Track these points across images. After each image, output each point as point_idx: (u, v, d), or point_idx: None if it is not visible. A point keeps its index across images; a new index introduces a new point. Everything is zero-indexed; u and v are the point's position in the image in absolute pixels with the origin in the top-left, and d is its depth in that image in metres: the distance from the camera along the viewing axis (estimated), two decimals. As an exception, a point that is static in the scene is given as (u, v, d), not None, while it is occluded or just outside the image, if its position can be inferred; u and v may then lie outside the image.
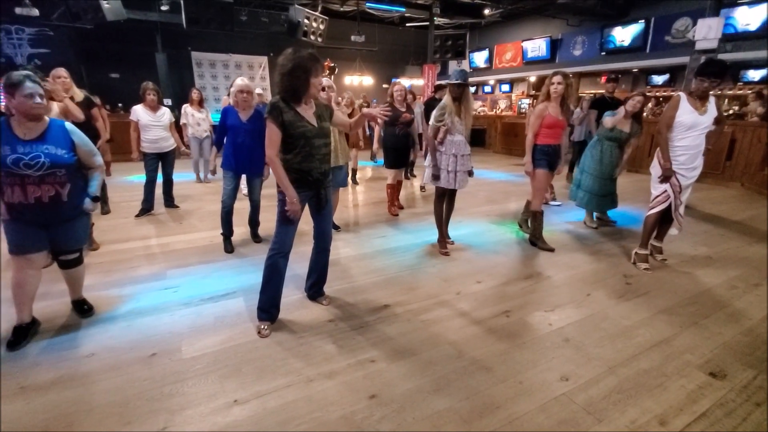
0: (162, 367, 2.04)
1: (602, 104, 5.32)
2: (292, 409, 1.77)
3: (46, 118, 2.16)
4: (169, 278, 3.08)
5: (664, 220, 3.38)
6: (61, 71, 3.77)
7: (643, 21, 9.48)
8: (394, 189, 4.92)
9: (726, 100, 9.17)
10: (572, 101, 3.71)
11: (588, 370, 2.05)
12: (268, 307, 2.40)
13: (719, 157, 6.71)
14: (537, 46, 12.08)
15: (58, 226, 2.22)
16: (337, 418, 1.72)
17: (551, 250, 3.72)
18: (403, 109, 4.56)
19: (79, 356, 2.12)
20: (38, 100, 2.04)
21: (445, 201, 3.67)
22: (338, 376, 1.98)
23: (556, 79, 3.43)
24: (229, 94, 4.91)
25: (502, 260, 3.52)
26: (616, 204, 4.37)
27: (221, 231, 3.68)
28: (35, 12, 7.39)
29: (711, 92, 3.07)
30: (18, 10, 7.20)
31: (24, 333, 2.21)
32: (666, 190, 3.20)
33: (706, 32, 6.35)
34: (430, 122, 3.43)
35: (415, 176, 7.38)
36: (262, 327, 2.35)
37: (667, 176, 3.14)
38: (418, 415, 1.74)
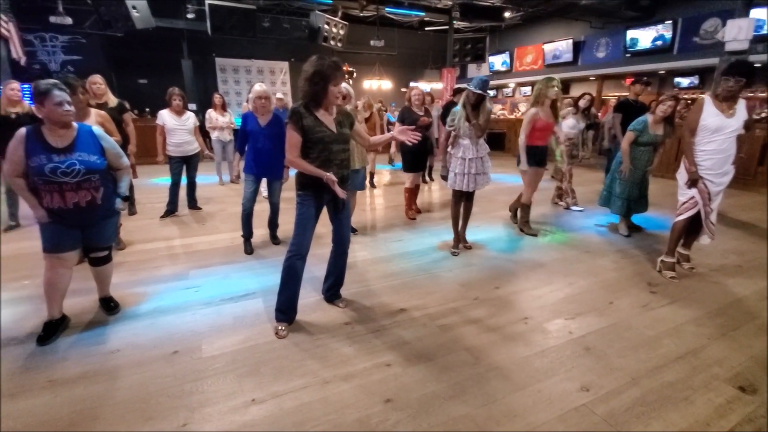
0: (183, 364, 2.09)
1: (627, 108, 5.16)
2: (309, 411, 1.78)
3: (75, 125, 2.24)
4: (191, 278, 3.15)
5: (692, 227, 3.25)
6: (97, 78, 3.94)
7: (670, 22, 9.21)
8: (412, 193, 4.92)
9: (758, 103, 8.80)
10: (561, 104, 4.24)
11: (610, 381, 1.99)
12: (286, 309, 2.43)
13: (751, 162, 6.45)
14: (559, 49, 11.89)
15: (92, 227, 2.33)
16: (353, 420, 1.73)
17: (534, 235, 4.21)
18: (421, 113, 4.57)
19: (105, 352, 2.19)
20: (67, 107, 2.11)
21: (462, 204, 3.68)
22: (354, 378, 1.99)
23: (553, 82, 3.80)
24: (248, 101, 5.04)
25: (522, 266, 3.46)
26: (647, 207, 4.27)
27: (241, 233, 3.75)
28: (68, 20, 7.73)
29: (740, 95, 2.96)
30: (52, 19, 7.54)
31: (54, 328, 2.31)
32: (693, 197, 3.09)
33: (736, 33, 6.11)
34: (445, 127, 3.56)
35: (432, 180, 7.36)
36: (280, 328, 2.38)
37: (693, 181, 3.04)
38: (434, 421, 1.73)
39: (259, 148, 3.54)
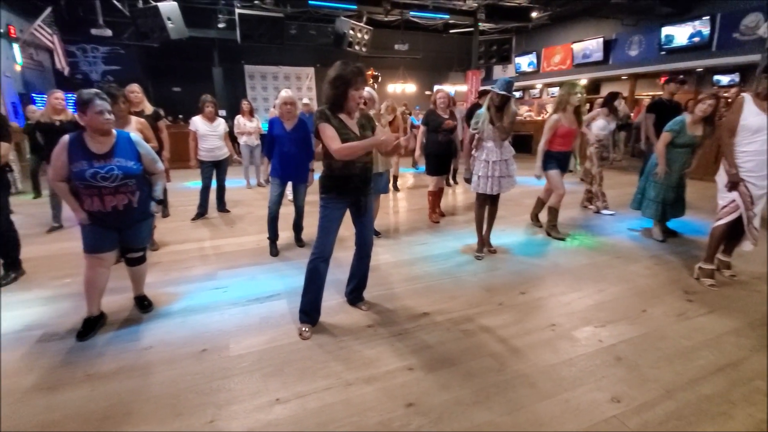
0: (211, 362, 2.15)
1: (661, 108, 4.95)
2: (331, 412, 1.79)
3: (114, 132, 2.35)
4: (219, 278, 3.25)
5: (733, 233, 3.07)
6: (134, 87, 4.13)
7: (707, 17, 8.80)
8: (436, 196, 4.89)
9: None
10: (583, 110, 4.11)
11: (642, 393, 1.91)
12: (309, 310, 2.47)
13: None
14: (589, 48, 11.57)
15: (128, 229, 2.45)
16: (375, 423, 1.73)
17: (563, 239, 4.10)
18: (446, 116, 4.53)
19: (139, 348, 2.29)
20: (107, 116, 2.22)
21: (486, 207, 3.63)
22: (376, 381, 1.99)
23: (577, 89, 3.80)
24: (275, 106, 5.17)
25: (548, 271, 3.38)
26: (684, 211, 4.10)
27: (267, 235, 3.84)
28: (108, 32, 8.16)
29: None
30: (93, 31, 7.98)
31: (92, 325, 2.43)
32: (734, 200, 2.93)
33: (782, 27, 5.76)
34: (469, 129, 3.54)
35: (456, 183, 7.29)
36: (303, 329, 2.42)
37: (734, 183, 2.88)
38: (456, 427, 1.71)
39: (285, 152, 3.61)
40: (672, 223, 4.29)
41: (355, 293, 2.76)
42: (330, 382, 1.99)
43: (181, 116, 11.24)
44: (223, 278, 3.25)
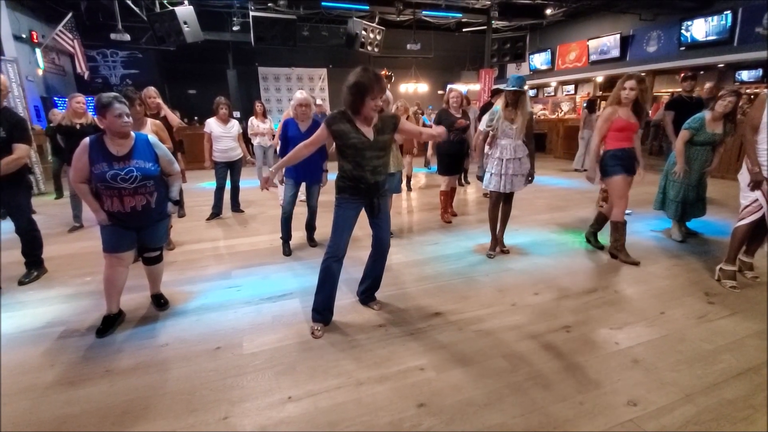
0: (225, 360, 2.18)
1: (680, 105, 4.83)
2: (342, 411, 1.80)
3: (132, 134, 2.40)
4: (233, 278, 3.29)
5: (756, 233, 2.97)
6: (151, 91, 4.21)
7: (729, 12, 8.54)
8: (448, 196, 4.87)
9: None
10: (648, 105, 3.45)
11: (660, 396, 1.87)
12: (322, 309, 2.48)
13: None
14: (605, 44, 11.35)
15: (146, 229, 2.50)
16: (385, 423, 1.73)
17: (636, 263, 3.42)
18: (459, 115, 4.51)
19: (156, 345, 2.34)
20: (126, 119, 2.27)
21: (500, 206, 3.60)
22: (388, 381, 1.99)
23: (629, 84, 3.25)
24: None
25: (563, 272, 3.33)
26: (705, 211, 3.98)
27: (280, 235, 3.87)
28: (127, 37, 8.35)
29: None
30: (113, 36, 8.18)
31: (111, 322, 2.49)
32: (757, 199, 2.84)
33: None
34: (480, 127, 3.48)
35: (468, 183, 7.24)
36: (316, 328, 2.43)
37: (757, 182, 2.79)
38: (468, 428, 1.70)
39: None
40: (692, 224, 4.17)
41: (367, 293, 2.77)
42: (341, 381, 2.00)
43: (196, 118, 11.44)
44: (237, 277, 3.30)
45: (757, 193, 2.82)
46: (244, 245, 4.12)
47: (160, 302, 2.78)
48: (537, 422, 1.72)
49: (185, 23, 7.64)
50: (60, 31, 8.77)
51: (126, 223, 2.40)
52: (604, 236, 3.85)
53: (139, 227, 2.47)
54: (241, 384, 1.99)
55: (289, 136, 3.65)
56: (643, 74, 3.31)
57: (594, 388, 1.93)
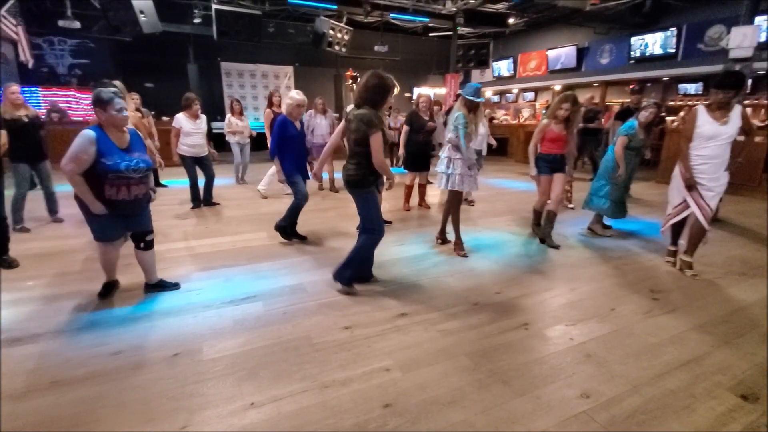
0: (184, 367, 2.10)
1: (628, 115, 5.19)
2: (307, 415, 1.78)
3: (126, 128, 2.55)
4: (193, 280, 3.17)
5: (693, 233, 3.32)
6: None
7: (674, 28, 9.21)
8: (410, 189, 5.41)
9: (763, 111, 8.79)
10: (575, 124, 4.09)
11: (610, 388, 1.99)
12: (358, 276, 3.01)
13: (755, 169, 6.41)
14: (563, 55, 11.91)
15: (140, 215, 2.71)
16: (351, 425, 1.73)
17: (556, 247, 3.99)
18: (427, 118, 4.90)
19: (108, 353, 2.20)
20: (125, 113, 2.45)
21: (453, 206, 3.82)
22: (353, 383, 1.99)
23: (565, 106, 3.76)
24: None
25: (522, 271, 3.46)
26: (626, 213, 4.36)
27: (287, 222, 3.93)
28: (77, 24, 7.84)
29: (737, 103, 3.18)
30: (61, 23, 7.65)
31: (111, 286, 2.84)
32: (684, 199, 3.28)
33: (741, 40, 6.11)
34: (450, 133, 3.56)
35: (431, 183, 7.36)
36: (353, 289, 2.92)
37: (689, 186, 3.22)
38: (433, 426, 1.73)
39: (299, 152, 3.86)
40: (634, 224, 4.54)
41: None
42: (306, 384, 1.98)
43: (153, 113, 10.89)
44: (197, 280, 3.18)
45: (685, 193, 3.26)
46: (206, 246, 3.98)
47: (164, 287, 2.94)
48: (497, 418, 1.78)
49: (142, 13, 7.28)
50: (2, 15, 8.09)
51: (125, 210, 2.56)
52: (557, 236, 4.07)
53: (134, 214, 2.64)
54: (201, 391, 1.92)
55: (289, 135, 3.77)
56: (575, 94, 3.87)
57: (550, 382, 2.02)
